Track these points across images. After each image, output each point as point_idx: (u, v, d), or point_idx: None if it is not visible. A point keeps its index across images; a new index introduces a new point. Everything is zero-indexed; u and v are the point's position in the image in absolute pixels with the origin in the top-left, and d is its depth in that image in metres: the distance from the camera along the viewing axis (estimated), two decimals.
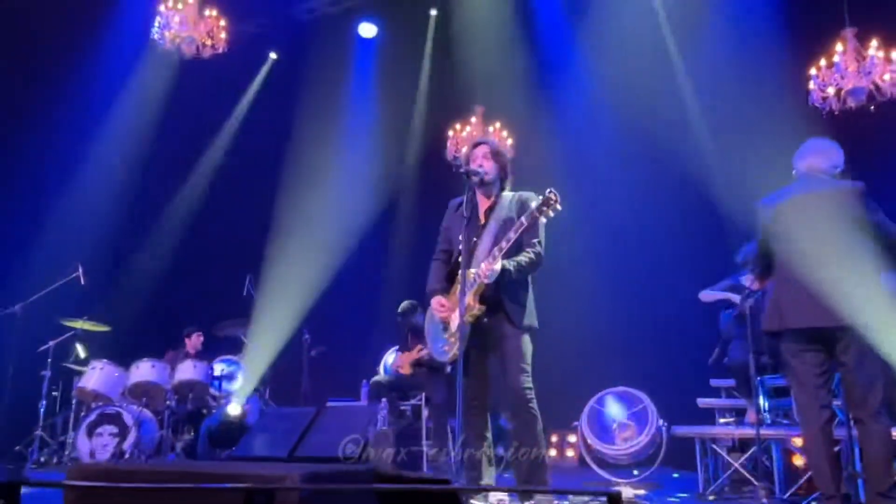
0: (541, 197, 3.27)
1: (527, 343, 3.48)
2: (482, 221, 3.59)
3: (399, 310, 6.43)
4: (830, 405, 3.41)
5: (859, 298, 3.22)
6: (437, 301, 3.61)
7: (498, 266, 3.33)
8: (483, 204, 3.66)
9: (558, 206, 3.24)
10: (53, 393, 6.39)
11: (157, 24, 6.52)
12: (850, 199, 3.35)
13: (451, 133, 7.61)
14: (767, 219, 3.57)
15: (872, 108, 5.75)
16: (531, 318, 3.52)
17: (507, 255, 3.41)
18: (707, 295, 5.38)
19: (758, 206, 3.65)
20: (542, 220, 3.30)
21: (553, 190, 3.26)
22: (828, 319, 3.25)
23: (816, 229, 3.37)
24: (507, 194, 3.64)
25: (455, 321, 3.44)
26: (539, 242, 3.50)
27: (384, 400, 5.90)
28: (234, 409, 5.92)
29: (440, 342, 3.60)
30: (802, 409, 3.44)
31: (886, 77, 5.64)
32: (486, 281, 3.35)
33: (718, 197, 6.54)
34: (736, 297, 5.12)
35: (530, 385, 3.42)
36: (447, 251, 3.72)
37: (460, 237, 3.47)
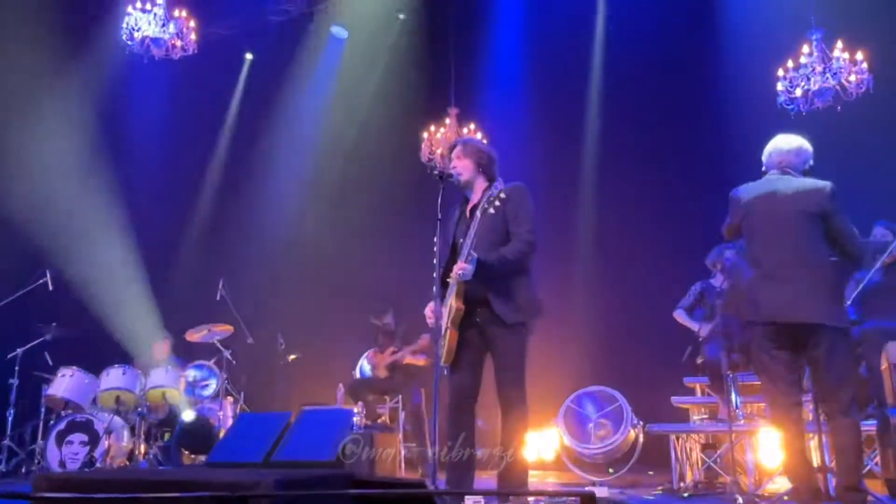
0: (491, 191, 3.27)
1: (521, 340, 3.43)
2: (469, 220, 3.56)
3: (373, 309, 6.44)
4: (801, 401, 3.46)
5: (827, 296, 3.29)
6: (427, 309, 3.56)
7: (470, 265, 3.29)
8: (471, 202, 3.64)
9: (502, 195, 3.23)
10: (22, 401, 6.25)
11: (125, 25, 6.42)
12: (818, 199, 3.40)
13: (425, 135, 7.61)
14: (739, 213, 3.59)
15: (839, 108, 5.86)
16: (525, 313, 3.45)
17: (497, 246, 3.39)
18: (680, 316, 5.45)
19: (731, 195, 3.67)
20: (491, 211, 3.26)
21: (500, 186, 3.27)
22: (799, 316, 3.30)
23: (787, 228, 3.41)
24: (493, 189, 3.53)
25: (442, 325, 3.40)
26: (529, 231, 3.44)
27: (360, 403, 5.88)
28: (188, 415, 5.86)
29: (438, 347, 3.54)
30: (774, 405, 3.48)
31: (852, 78, 5.76)
32: (460, 279, 3.32)
33: (691, 198, 6.62)
34: (695, 326, 5.22)
35: (523, 385, 3.40)
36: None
37: (453, 239, 3.48)
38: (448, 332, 3.36)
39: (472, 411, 3.50)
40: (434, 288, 3.35)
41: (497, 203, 3.23)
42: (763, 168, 3.69)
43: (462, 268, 3.30)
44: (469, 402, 3.47)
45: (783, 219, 3.43)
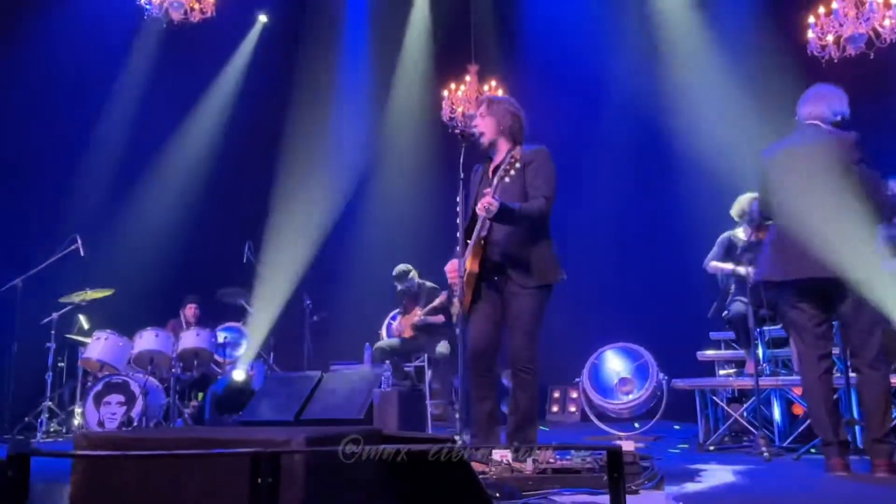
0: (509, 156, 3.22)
1: (537, 302, 3.39)
2: (490, 181, 3.47)
3: (393, 273, 6.46)
4: (829, 355, 3.44)
5: (853, 249, 3.23)
6: (449, 265, 3.50)
7: (496, 201, 3.14)
8: (494, 163, 3.56)
9: (518, 161, 3.17)
10: (59, 364, 6.43)
11: None
12: (841, 150, 3.32)
13: (445, 93, 7.53)
14: (765, 169, 3.56)
15: (872, 54, 5.68)
16: (543, 276, 3.40)
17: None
18: (713, 267, 5.34)
19: (759, 157, 3.64)
20: (506, 180, 3.20)
21: (520, 150, 3.22)
22: (824, 270, 3.26)
23: (809, 181, 3.35)
24: (517, 150, 3.36)
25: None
26: (548, 190, 3.38)
27: (387, 362, 5.96)
28: (238, 374, 5.99)
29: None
30: (802, 359, 3.47)
31: (886, 23, 5.56)
32: (485, 216, 3.21)
33: (719, 150, 6.50)
34: (740, 270, 5.00)
35: (533, 347, 3.38)
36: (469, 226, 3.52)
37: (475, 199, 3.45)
38: (463, 292, 3.34)
39: (491, 373, 3.47)
40: (458, 248, 3.36)
41: (513, 170, 3.17)
42: (796, 119, 3.61)
43: (489, 202, 3.12)
44: (485, 364, 3.43)
45: (804, 172, 3.37)
